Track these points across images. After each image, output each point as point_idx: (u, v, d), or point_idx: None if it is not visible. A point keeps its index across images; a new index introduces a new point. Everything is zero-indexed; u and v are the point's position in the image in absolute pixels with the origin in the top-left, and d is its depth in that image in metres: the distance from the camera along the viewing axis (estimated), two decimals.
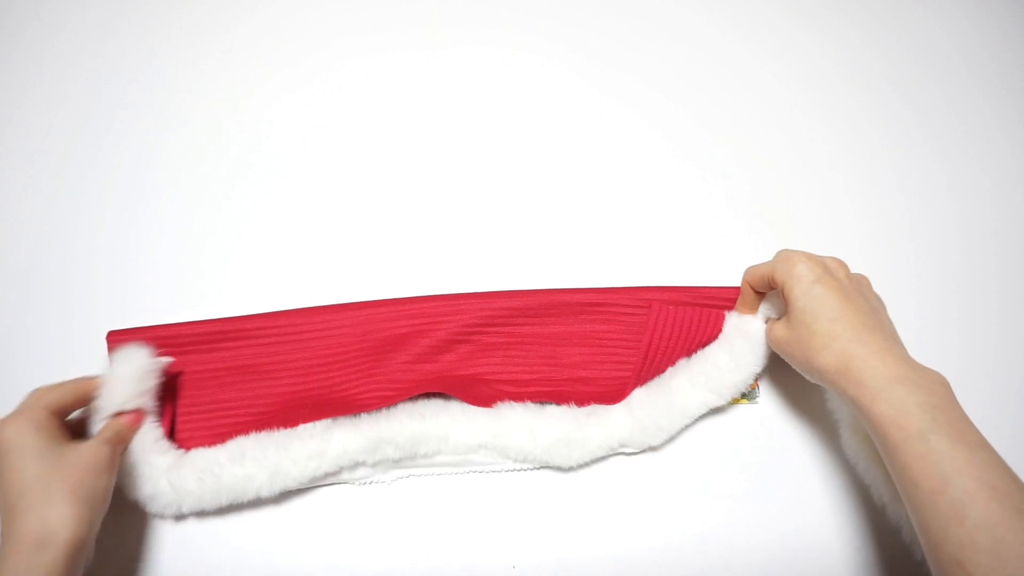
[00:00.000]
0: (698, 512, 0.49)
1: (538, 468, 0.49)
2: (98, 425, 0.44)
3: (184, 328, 0.50)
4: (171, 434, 0.48)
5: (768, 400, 0.52)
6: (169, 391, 0.49)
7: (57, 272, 0.57)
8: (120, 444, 0.43)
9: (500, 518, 0.48)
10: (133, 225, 0.59)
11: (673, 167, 0.61)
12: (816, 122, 0.64)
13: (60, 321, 0.55)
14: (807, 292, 0.43)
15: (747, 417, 0.51)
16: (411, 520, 0.48)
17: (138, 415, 0.45)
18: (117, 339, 0.49)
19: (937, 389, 0.38)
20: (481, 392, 0.49)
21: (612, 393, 0.50)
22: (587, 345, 0.51)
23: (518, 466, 0.49)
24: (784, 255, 0.45)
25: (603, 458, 0.49)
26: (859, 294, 0.44)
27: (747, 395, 0.51)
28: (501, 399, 0.49)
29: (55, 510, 0.37)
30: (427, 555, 0.47)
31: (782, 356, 0.46)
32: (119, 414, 0.44)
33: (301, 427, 0.45)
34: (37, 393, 0.42)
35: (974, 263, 0.57)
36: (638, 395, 0.49)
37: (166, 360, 0.47)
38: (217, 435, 0.48)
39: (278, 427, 0.47)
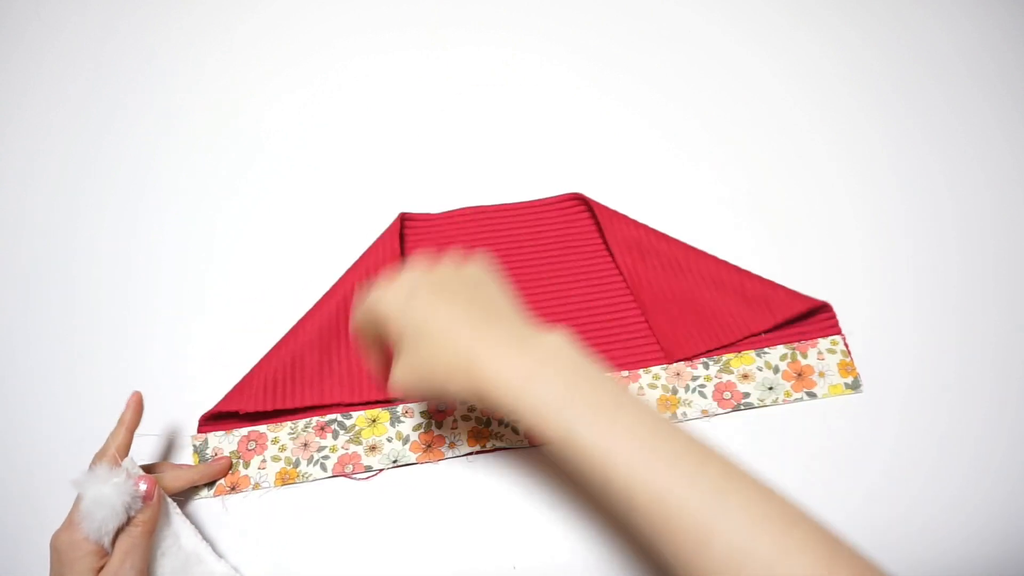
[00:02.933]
0: None
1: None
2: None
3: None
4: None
5: (872, 390, 0.51)
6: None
7: (58, 273, 0.57)
8: (147, 533, 0.41)
9: (501, 518, 0.48)
10: (134, 224, 0.59)
11: (673, 167, 0.61)
12: (816, 122, 0.64)
13: (61, 320, 0.55)
14: (399, 329, 0.36)
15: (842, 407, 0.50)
16: (412, 519, 0.47)
17: (150, 487, 0.42)
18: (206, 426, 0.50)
19: (561, 362, 0.33)
20: None
21: None
22: None
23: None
24: (367, 298, 0.39)
25: None
26: (454, 284, 0.37)
27: (850, 385, 0.50)
28: None
29: None
30: (428, 554, 0.46)
31: (419, 398, 0.41)
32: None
33: None
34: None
35: (973, 263, 0.57)
36: None
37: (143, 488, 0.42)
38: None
39: None
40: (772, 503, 0.29)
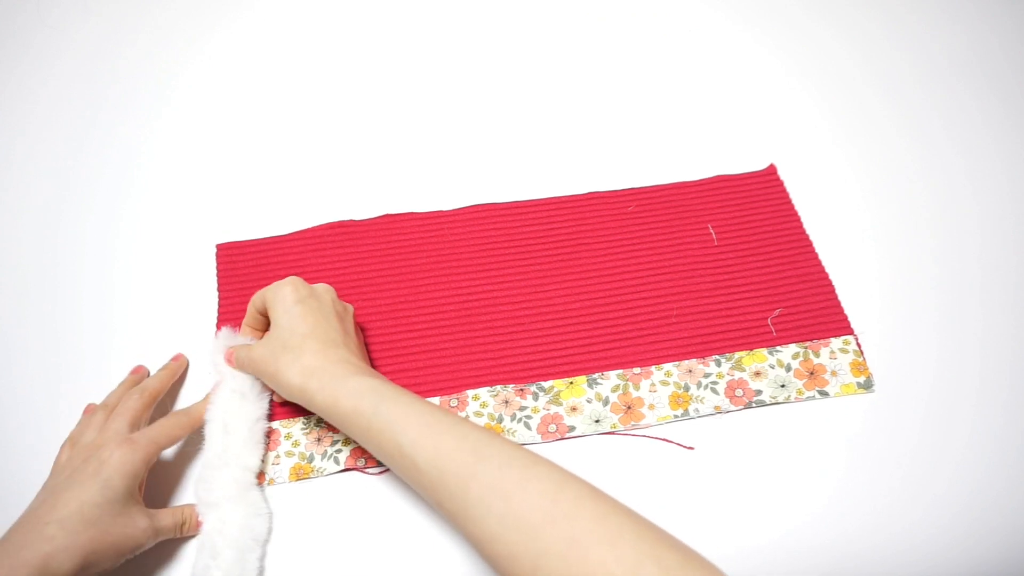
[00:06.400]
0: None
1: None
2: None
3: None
4: None
5: (885, 390, 0.50)
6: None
7: (66, 268, 0.58)
8: (176, 529, 0.45)
9: None
10: (155, 221, 0.60)
11: (681, 165, 0.62)
12: (827, 114, 0.64)
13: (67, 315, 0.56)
14: (288, 311, 0.46)
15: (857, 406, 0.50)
16: (414, 517, 0.47)
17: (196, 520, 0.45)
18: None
19: (375, 381, 0.43)
20: None
21: None
22: None
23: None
24: (276, 283, 0.48)
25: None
26: (332, 313, 0.47)
27: (863, 384, 0.50)
28: None
29: (60, 559, 0.38)
30: (445, 549, 0.46)
31: (255, 374, 0.47)
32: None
33: None
34: (157, 427, 0.46)
35: (988, 262, 0.56)
36: None
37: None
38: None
39: None
40: (517, 453, 0.38)
